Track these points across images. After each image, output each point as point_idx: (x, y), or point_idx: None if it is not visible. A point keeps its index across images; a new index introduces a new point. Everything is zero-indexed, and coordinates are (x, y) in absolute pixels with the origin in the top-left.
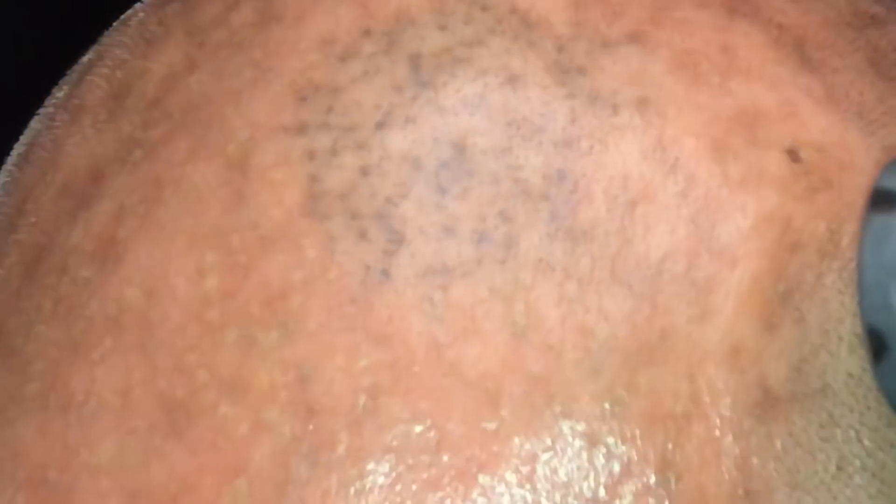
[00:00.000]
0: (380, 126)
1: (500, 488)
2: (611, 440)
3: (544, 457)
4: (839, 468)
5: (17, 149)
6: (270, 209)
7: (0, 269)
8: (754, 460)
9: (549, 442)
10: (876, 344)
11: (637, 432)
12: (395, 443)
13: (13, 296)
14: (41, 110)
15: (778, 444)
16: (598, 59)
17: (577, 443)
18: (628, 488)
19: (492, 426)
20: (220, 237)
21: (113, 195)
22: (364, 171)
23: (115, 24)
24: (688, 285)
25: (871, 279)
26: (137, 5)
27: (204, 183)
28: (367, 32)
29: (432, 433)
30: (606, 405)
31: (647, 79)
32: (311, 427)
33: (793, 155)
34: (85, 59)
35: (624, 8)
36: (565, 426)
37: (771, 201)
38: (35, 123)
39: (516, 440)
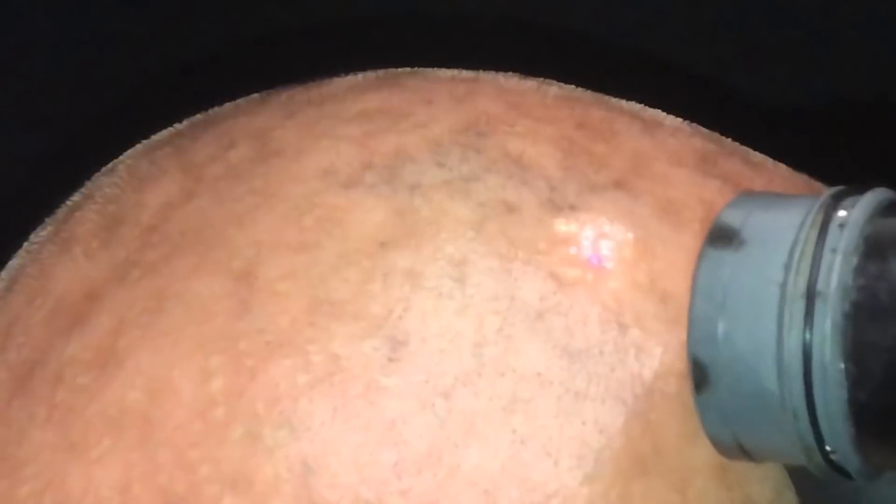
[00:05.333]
0: (383, 245)
1: None
2: None
3: None
4: None
5: None
6: (277, 317)
7: None
8: None
9: None
10: (698, 375)
11: None
12: None
13: (3, 408)
14: (22, 249)
15: None
16: (587, 200)
17: None
18: None
19: None
20: (225, 342)
21: (111, 310)
22: (368, 285)
23: (96, 174)
24: (679, 405)
25: (700, 311)
26: (122, 156)
27: (209, 294)
28: (368, 165)
29: None
30: None
31: (634, 219)
32: None
33: None
34: (70, 201)
35: (607, 159)
36: None
37: None
38: (15, 261)
39: None
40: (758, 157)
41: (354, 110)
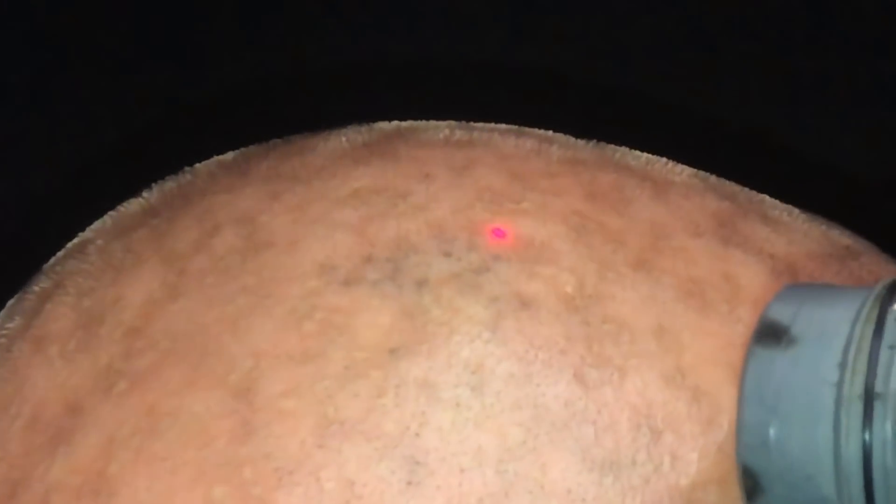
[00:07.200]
0: (393, 353)
1: None
2: None
3: None
4: None
5: None
6: (284, 440)
7: None
8: None
9: None
10: (750, 484)
11: None
12: None
13: None
14: None
15: None
16: (607, 287)
17: None
18: None
19: None
20: (229, 469)
21: (98, 428)
22: (380, 399)
23: (63, 250)
24: None
25: (751, 417)
26: (87, 232)
27: (206, 413)
28: (368, 259)
29: None
30: None
31: (658, 306)
32: None
33: None
34: (37, 286)
35: (623, 236)
36: None
37: None
38: None
39: None
40: (774, 208)
41: (347, 189)
